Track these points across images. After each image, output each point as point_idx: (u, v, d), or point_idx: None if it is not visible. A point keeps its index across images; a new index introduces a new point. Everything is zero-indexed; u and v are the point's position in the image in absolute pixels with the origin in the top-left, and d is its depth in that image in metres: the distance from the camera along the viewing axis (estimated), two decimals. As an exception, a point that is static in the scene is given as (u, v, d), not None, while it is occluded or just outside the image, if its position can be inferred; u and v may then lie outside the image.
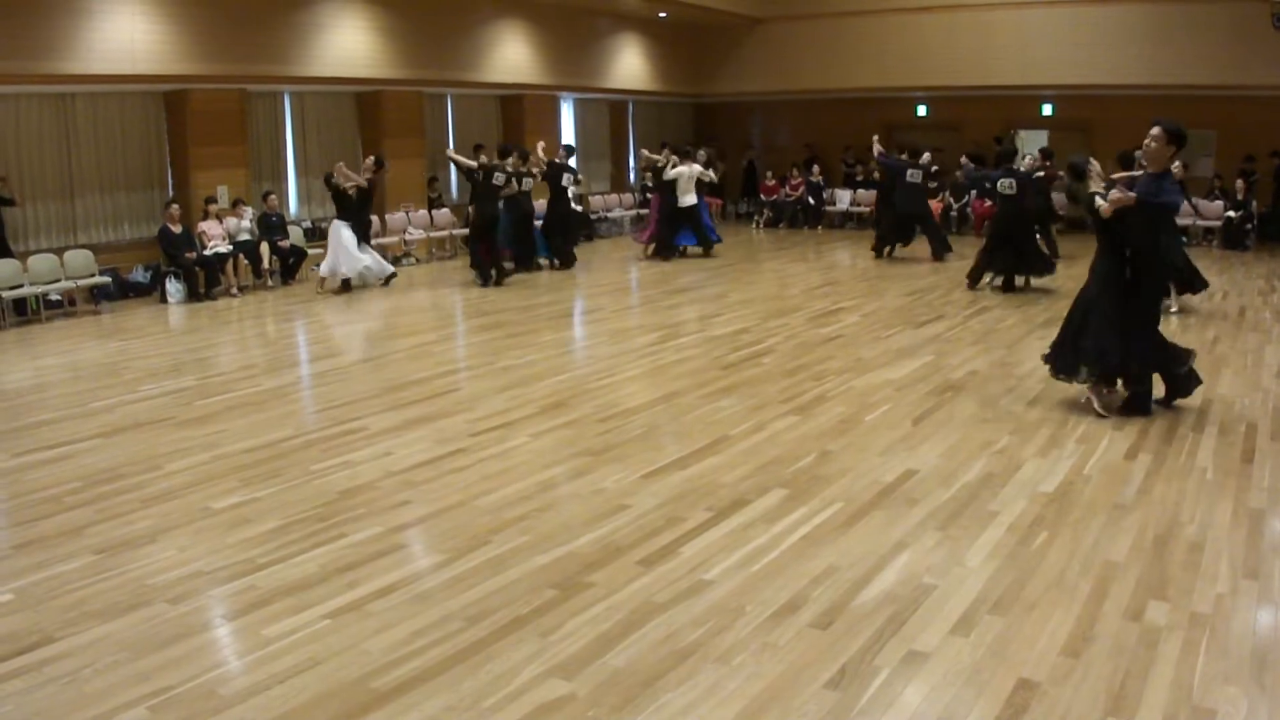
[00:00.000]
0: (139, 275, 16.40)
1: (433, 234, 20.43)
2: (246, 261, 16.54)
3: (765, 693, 4.36)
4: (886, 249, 19.73)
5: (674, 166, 19.67)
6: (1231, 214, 20.85)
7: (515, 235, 17.91)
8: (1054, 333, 9.03)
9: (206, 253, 15.82)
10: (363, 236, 16.60)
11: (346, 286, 16.21)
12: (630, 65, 25.90)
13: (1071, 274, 15.20)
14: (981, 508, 6.47)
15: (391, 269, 17.05)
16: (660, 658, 4.65)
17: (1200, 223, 21.46)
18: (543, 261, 18.58)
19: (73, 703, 4.40)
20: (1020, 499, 6.60)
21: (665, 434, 8.27)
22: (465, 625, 5.01)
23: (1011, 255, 15.11)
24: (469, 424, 8.65)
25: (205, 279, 15.80)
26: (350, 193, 16.22)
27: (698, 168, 20.00)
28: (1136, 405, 8.50)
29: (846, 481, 7.01)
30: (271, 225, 16.97)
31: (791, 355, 11.05)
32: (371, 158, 17.22)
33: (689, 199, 19.93)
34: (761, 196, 26.67)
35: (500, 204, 17.07)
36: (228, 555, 5.99)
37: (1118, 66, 22.03)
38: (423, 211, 19.95)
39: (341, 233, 16.15)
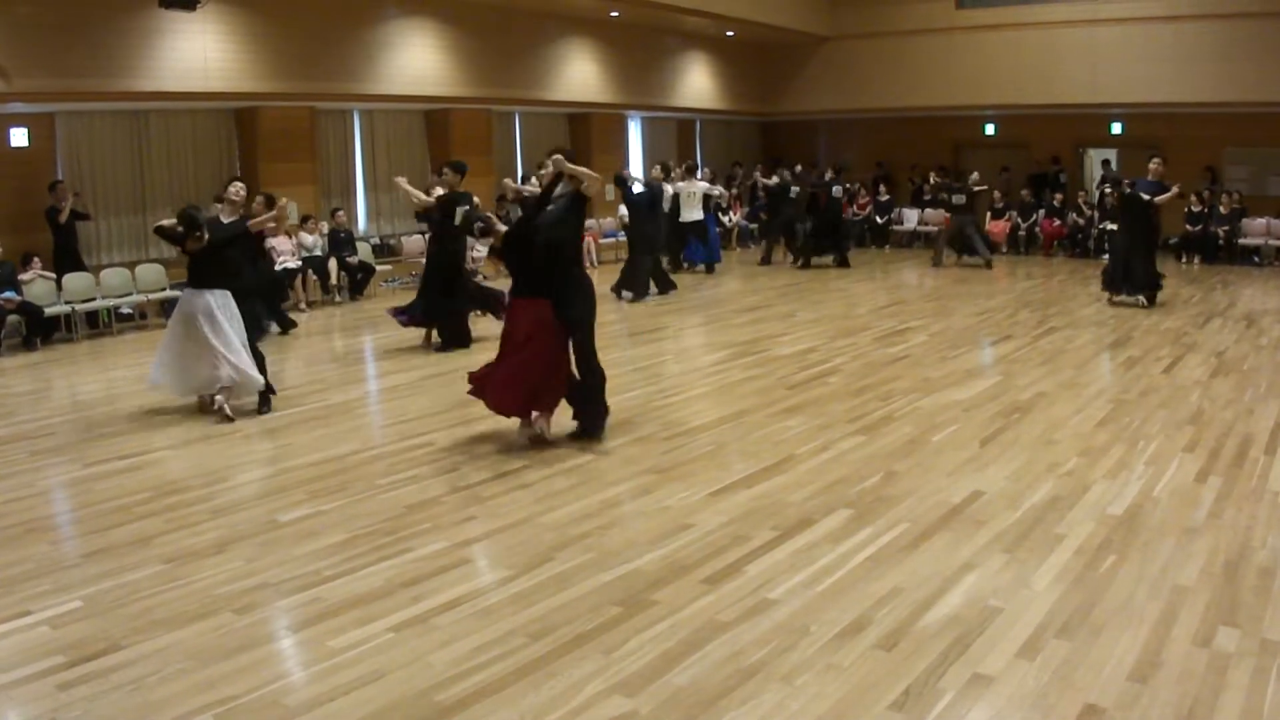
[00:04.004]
0: (209, 289, 16.59)
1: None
2: (315, 277, 16.73)
3: (829, 713, 4.34)
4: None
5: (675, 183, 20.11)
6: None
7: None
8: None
9: (276, 268, 16.01)
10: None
11: None
12: (697, 84, 25.93)
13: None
14: (1049, 530, 6.40)
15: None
16: (724, 677, 4.65)
17: (1272, 242, 21.12)
18: None
19: (138, 710, 4.46)
20: (1088, 521, 6.53)
21: (731, 452, 8.26)
22: (528, 641, 5.03)
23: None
24: (536, 440, 8.67)
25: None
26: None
27: (703, 185, 20.41)
28: None
29: (913, 502, 6.97)
30: (340, 241, 17.15)
31: (858, 375, 11.00)
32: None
33: (693, 214, 20.30)
34: (828, 215, 26.42)
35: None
36: (294, 567, 6.05)
37: (1188, 84, 21.76)
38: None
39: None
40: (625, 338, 13.94)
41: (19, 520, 6.98)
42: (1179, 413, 9.21)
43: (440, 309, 12.92)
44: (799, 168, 23.27)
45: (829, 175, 21.81)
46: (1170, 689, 4.45)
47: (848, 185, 22.33)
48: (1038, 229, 23.25)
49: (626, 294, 17.11)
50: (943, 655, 4.80)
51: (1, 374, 12.12)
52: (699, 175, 20.95)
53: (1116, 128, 24.08)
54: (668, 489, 7.37)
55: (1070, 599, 5.38)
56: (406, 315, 12.91)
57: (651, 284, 17.51)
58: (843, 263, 21.38)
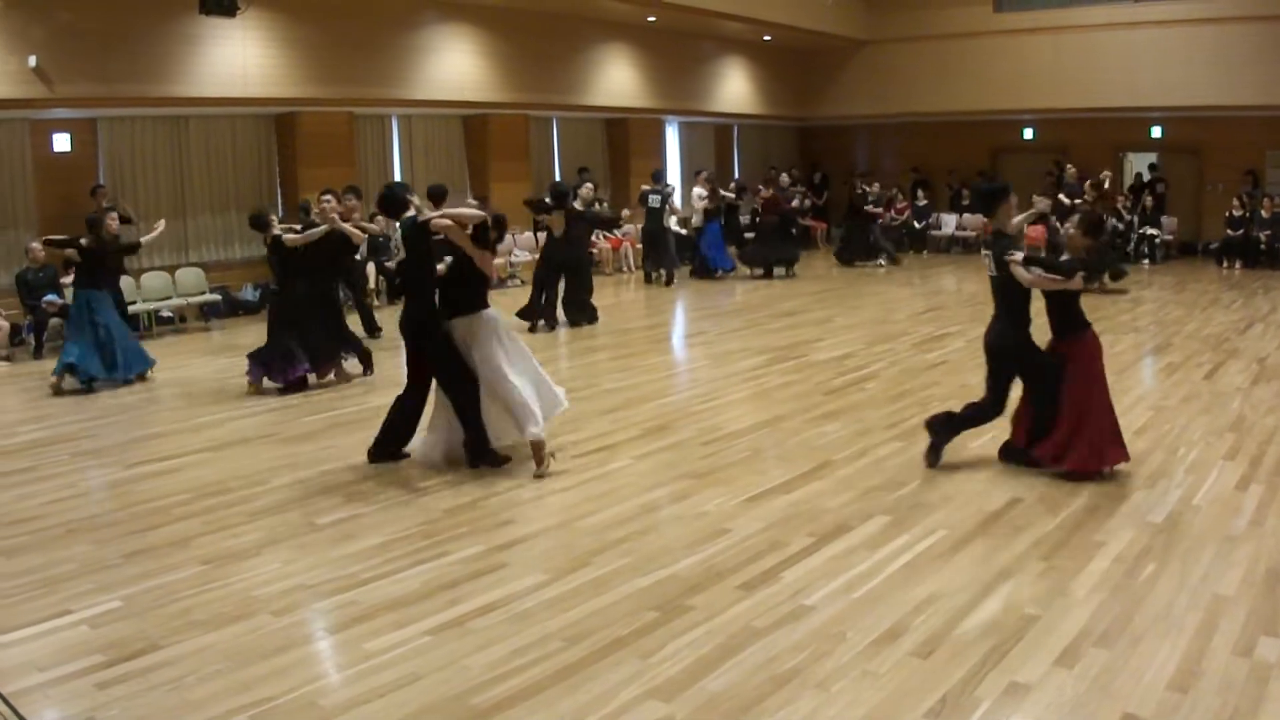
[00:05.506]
0: (248, 293, 16.74)
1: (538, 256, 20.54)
2: (354, 281, 16.80)
3: (865, 721, 4.33)
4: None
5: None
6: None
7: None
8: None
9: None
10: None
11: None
12: (735, 88, 25.92)
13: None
14: (1087, 537, 6.36)
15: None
16: (759, 683, 4.64)
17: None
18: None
19: (176, 709, 4.50)
20: (1127, 529, 6.48)
21: (768, 458, 8.24)
22: (565, 645, 5.04)
23: None
24: (572, 445, 8.68)
25: (313, 298, 16.03)
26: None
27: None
28: None
29: (950, 508, 6.94)
30: (378, 246, 17.19)
31: (896, 381, 10.96)
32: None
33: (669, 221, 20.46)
34: (866, 220, 26.32)
35: None
36: (331, 570, 6.08)
37: (1229, 87, 21.56)
38: (528, 234, 20.06)
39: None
40: (663, 342, 13.94)
41: (60, 521, 7.04)
42: (1220, 420, 9.12)
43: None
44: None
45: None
46: (1210, 699, 4.41)
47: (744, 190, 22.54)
48: (1076, 233, 23.06)
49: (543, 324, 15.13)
50: (980, 663, 4.77)
51: (44, 376, 12.21)
52: (661, 182, 20.38)
53: (1156, 131, 23.90)
54: (704, 494, 7.36)
55: (1109, 607, 5.34)
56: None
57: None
58: (765, 274, 20.87)
